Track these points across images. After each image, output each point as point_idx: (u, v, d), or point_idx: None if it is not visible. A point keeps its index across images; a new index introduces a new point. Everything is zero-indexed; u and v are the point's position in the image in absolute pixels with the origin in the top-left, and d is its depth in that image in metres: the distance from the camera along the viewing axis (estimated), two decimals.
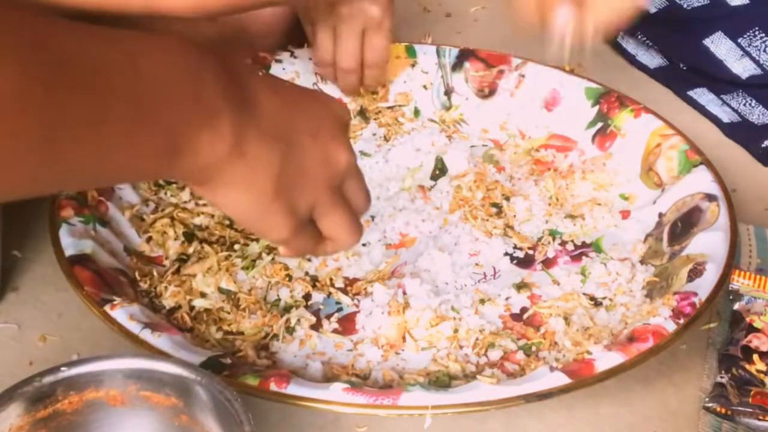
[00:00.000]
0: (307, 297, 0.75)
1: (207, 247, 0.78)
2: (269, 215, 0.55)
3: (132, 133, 0.45)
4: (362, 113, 0.97)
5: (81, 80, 0.42)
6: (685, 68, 1.03)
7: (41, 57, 0.40)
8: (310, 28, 0.92)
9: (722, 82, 0.99)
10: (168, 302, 0.73)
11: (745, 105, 0.98)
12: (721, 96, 0.99)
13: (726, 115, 0.99)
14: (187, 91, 0.47)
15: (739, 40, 0.95)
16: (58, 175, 0.43)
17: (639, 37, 1.07)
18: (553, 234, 0.83)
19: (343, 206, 0.60)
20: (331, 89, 0.96)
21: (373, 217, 0.83)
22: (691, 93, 1.02)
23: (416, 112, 0.98)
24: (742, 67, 0.96)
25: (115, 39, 0.45)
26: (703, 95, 1.01)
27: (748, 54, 0.95)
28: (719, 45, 0.97)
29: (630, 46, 1.09)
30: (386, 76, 0.97)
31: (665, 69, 1.06)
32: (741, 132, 0.98)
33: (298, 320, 0.72)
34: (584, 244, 0.82)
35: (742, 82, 0.97)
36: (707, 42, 0.97)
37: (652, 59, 1.07)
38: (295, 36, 0.99)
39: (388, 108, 0.97)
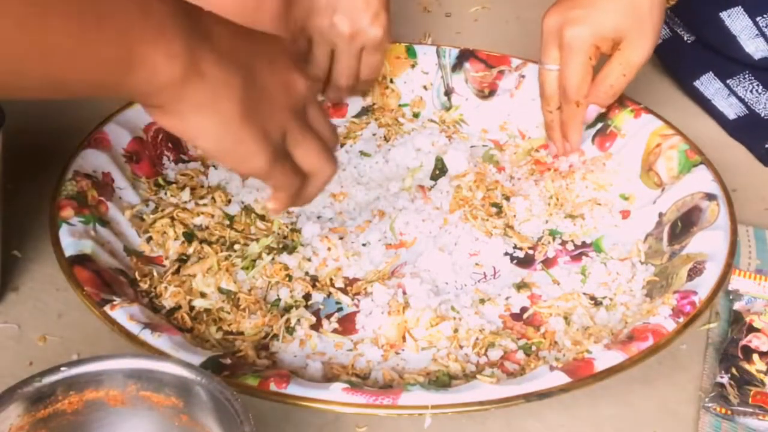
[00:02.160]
0: (307, 297, 0.75)
1: (207, 247, 0.78)
2: (241, 142, 0.54)
3: (78, 35, 0.46)
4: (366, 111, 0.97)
5: None
6: (689, 41, 1.02)
7: None
8: (304, 43, 0.91)
9: (730, 60, 0.98)
10: (168, 302, 0.73)
11: (752, 92, 0.97)
12: (728, 81, 0.98)
13: (732, 110, 0.99)
14: (135, 5, 0.48)
15: (758, 19, 0.94)
16: (7, 67, 0.44)
17: None
18: (553, 234, 0.83)
19: (313, 133, 0.60)
20: None
21: (382, 212, 0.84)
22: (697, 83, 1.01)
23: (416, 113, 0.98)
24: (755, 47, 0.96)
25: None
26: (709, 85, 1.00)
27: (763, 34, 0.94)
28: (735, 20, 0.96)
29: None
30: (373, 85, 0.97)
31: (668, 42, 1.04)
32: (746, 129, 0.97)
33: (298, 320, 0.72)
34: (584, 244, 0.82)
35: (753, 62, 0.96)
36: (724, 15, 0.96)
37: None
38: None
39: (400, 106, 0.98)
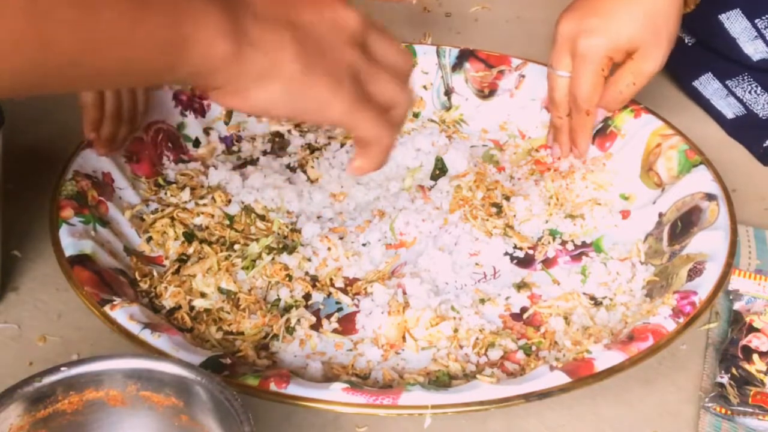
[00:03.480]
0: (307, 297, 0.75)
1: (207, 247, 0.78)
2: (313, 96, 0.54)
3: (128, 21, 0.46)
4: None
5: None
6: (690, 43, 1.02)
7: None
8: None
9: (729, 61, 0.98)
10: (168, 302, 0.73)
11: (750, 93, 0.97)
12: (727, 82, 0.98)
13: (730, 109, 0.99)
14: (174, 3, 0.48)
15: (756, 21, 0.94)
16: (60, 58, 0.44)
17: None
18: (553, 234, 0.83)
19: (380, 65, 0.58)
20: None
21: (382, 212, 0.84)
22: (696, 83, 1.01)
23: (416, 113, 0.98)
24: (753, 49, 0.96)
25: None
26: (708, 85, 1.00)
27: (762, 36, 0.94)
28: (734, 22, 0.96)
29: None
30: None
31: None
32: (744, 128, 0.97)
33: (298, 320, 0.72)
34: (584, 244, 0.82)
35: (752, 64, 0.96)
36: (723, 17, 0.96)
37: None
38: None
39: None
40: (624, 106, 0.90)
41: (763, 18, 0.94)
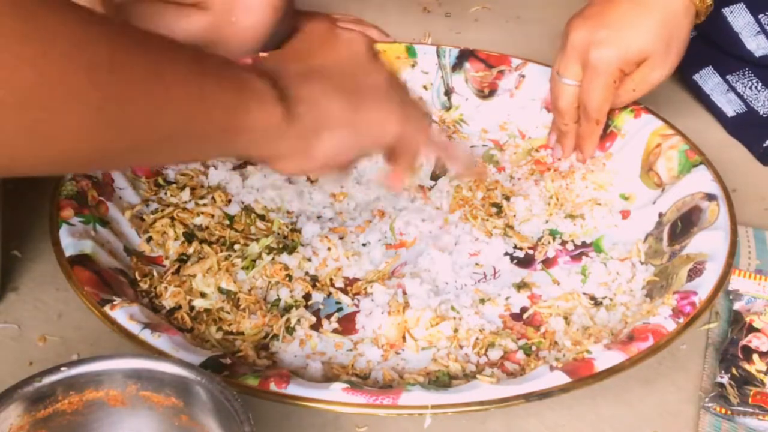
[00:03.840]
0: (307, 297, 0.75)
1: (207, 247, 0.78)
2: (370, 121, 0.56)
3: (193, 103, 0.49)
4: None
5: (142, 46, 0.47)
6: (691, 36, 1.01)
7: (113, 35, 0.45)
8: None
9: (731, 56, 0.97)
10: (168, 302, 0.73)
11: (751, 89, 0.97)
12: (727, 77, 0.98)
13: (731, 106, 0.99)
14: (227, 70, 0.52)
15: (760, 17, 0.94)
16: (127, 139, 0.46)
17: None
18: (553, 234, 0.83)
19: (396, 78, 0.62)
20: None
21: (382, 213, 0.84)
22: (696, 77, 1.01)
23: None
24: (756, 44, 0.95)
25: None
26: (708, 79, 1.00)
27: (765, 32, 0.94)
28: (737, 17, 0.95)
29: None
30: None
31: None
32: (744, 127, 0.97)
33: (298, 320, 0.72)
34: (584, 244, 0.82)
35: (754, 59, 0.96)
36: (726, 11, 0.96)
37: None
38: (273, 45, 0.99)
39: None
40: (625, 106, 0.90)
41: (767, 13, 0.94)
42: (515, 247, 0.82)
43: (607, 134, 0.91)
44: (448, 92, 0.98)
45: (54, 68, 0.41)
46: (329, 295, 0.76)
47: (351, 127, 0.56)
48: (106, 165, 0.57)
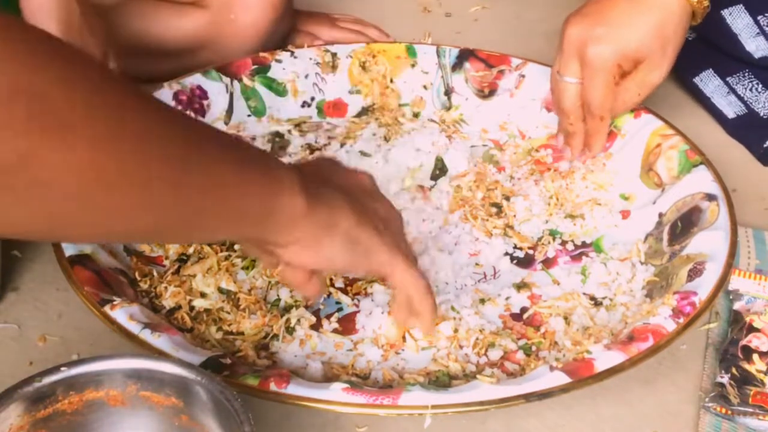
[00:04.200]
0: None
1: (207, 247, 0.78)
2: (364, 240, 0.63)
3: (233, 188, 0.55)
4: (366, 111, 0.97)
5: (202, 139, 0.54)
6: (691, 38, 1.02)
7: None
8: None
9: (730, 58, 0.97)
10: (168, 302, 0.73)
11: (751, 90, 0.97)
12: (727, 79, 0.98)
13: (731, 108, 0.99)
14: (264, 167, 0.59)
15: (759, 18, 0.94)
16: (176, 223, 0.53)
17: None
18: (553, 234, 0.83)
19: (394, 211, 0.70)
20: (330, 84, 0.97)
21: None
22: (696, 80, 1.01)
23: (416, 113, 0.98)
24: (755, 46, 0.95)
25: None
26: (709, 81, 1.00)
27: (764, 33, 0.94)
28: (737, 18, 0.95)
29: None
30: None
31: None
32: (744, 128, 0.97)
33: (298, 320, 0.72)
34: (584, 244, 0.82)
35: (753, 61, 0.95)
36: (725, 12, 0.96)
37: None
38: (272, 44, 1.00)
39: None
40: None
41: (766, 15, 0.94)
42: (515, 247, 0.82)
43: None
44: (448, 92, 0.98)
45: (132, 165, 0.47)
46: (329, 295, 0.76)
47: (349, 238, 0.62)
48: (140, 240, 0.68)
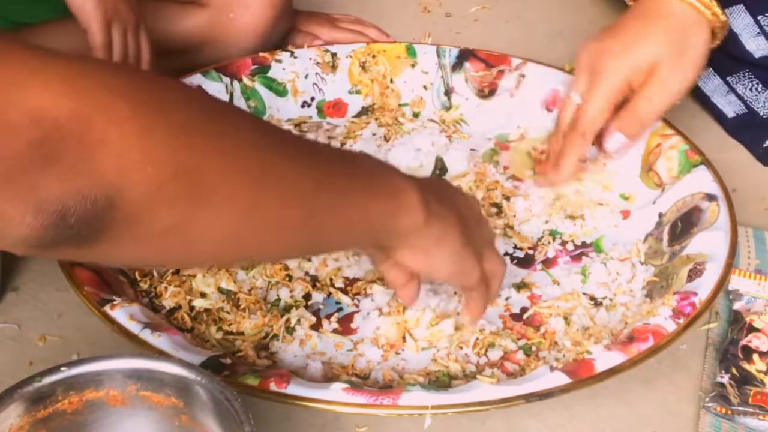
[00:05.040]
0: (307, 297, 0.75)
1: None
2: (466, 261, 0.66)
3: (361, 215, 0.60)
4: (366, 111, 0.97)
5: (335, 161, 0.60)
6: None
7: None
8: None
9: (730, 58, 0.97)
10: (168, 302, 0.73)
11: (751, 90, 0.97)
12: (728, 79, 0.98)
13: (731, 108, 0.99)
14: (386, 183, 0.62)
15: (759, 18, 0.94)
16: (303, 250, 0.61)
17: None
18: (553, 234, 0.83)
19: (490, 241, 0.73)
20: (330, 84, 0.97)
21: None
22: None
23: (416, 113, 0.98)
24: (756, 45, 0.95)
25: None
26: (709, 81, 1.00)
27: (764, 33, 0.94)
28: (737, 18, 0.95)
29: None
30: None
31: None
32: (744, 128, 0.97)
33: (298, 320, 0.72)
34: (584, 244, 0.82)
35: (753, 60, 0.95)
36: (726, 12, 0.96)
37: None
38: (272, 44, 1.00)
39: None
40: None
41: (766, 15, 0.94)
42: (515, 248, 0.82)
43: None
44: (448, 92, 0.98)
45: (270, 221, 0.53)
46: (329, 295, 0.76)
47: (454, 254, 0.65)
48: (256, 260, 0.72)
